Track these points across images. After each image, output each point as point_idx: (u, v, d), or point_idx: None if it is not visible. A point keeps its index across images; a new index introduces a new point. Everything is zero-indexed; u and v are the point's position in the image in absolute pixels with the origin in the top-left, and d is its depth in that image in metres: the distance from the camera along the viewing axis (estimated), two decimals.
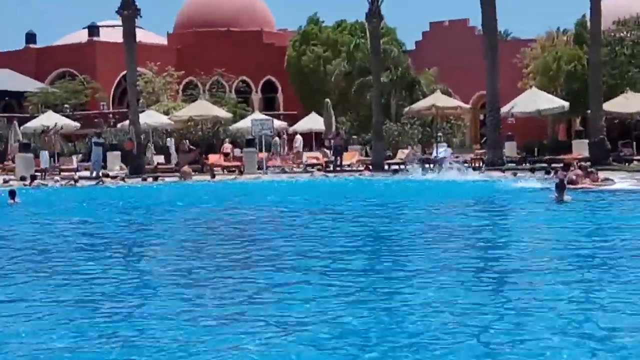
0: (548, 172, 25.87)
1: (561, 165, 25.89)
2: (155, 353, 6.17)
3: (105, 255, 11.65)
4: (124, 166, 35.43)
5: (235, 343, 6.34)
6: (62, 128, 38.56)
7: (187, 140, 39.16)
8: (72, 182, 29.92)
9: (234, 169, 35.11)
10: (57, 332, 6.82)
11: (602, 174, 23.20)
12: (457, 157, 35.78)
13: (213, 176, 31.74)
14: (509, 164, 31.87)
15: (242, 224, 16.00)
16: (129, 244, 13.16)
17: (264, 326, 6.83)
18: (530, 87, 37.11)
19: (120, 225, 16.18)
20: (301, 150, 39.62)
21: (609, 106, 32.81)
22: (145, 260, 11.31)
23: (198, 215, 17.23)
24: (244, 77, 53.76)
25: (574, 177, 21.09)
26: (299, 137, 39.81)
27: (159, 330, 6.84)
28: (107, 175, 31.91)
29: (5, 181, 30.30)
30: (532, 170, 28.25)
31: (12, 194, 20.92)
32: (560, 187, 17.40)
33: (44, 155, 35.33)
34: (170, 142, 39.15)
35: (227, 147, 39.06)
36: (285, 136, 41.84)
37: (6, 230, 15.04)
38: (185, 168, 33.13)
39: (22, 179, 30.11)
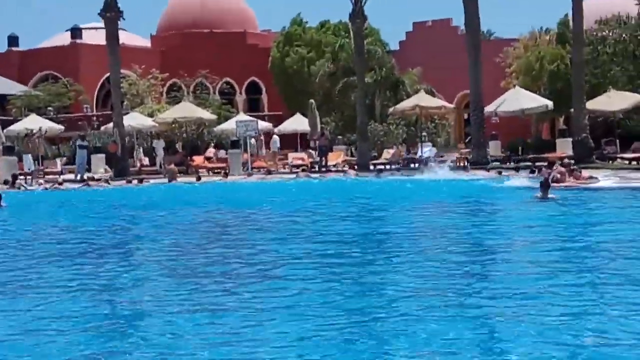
0: (532, 171, 26.02)
1: (545, 164, 26.06)
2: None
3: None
4: (108, 168, 35.37)
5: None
6: (46, 132, 38.42)
7: (180, 143, 39.10)
8: (57, 185, 29.85)
9: (219, 170, 35.10)
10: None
11: (586, 172, 23.34)
12: (441, 156, 35.88)
13: (199, 178, 31.72)
14: (494, 163, 32.01)
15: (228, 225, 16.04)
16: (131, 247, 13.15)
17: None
18: (514, 86, 37.24)
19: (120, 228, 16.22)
20: (277, 151, 39.46)
21: (592, 105, 32.99)
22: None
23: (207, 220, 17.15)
24: (228, 79, 53.70)
25: (558, 175, 21.22)
26: (275, 138, 39.70)
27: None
28: (92, 179, 31.85)
29: None
30: (517, 169, 28.40)
31: None
32: (545, 186, 17.50)
33: (28, 158, 35.19)
34: (158, 144, 39.00)
35: (210, 151, 38.94)
36: (262, 137, 41.69)
37: None
38: (171, 167, 33.12)
39: (6, 182, 29.99)
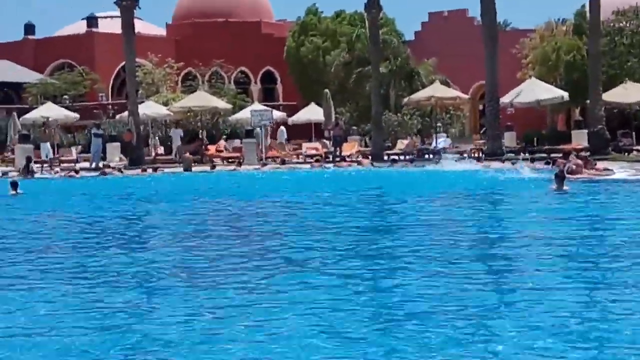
0: (548, 163, 25.93)
1: (560, 155, 25.94)
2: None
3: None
4: (123, 157, 35.45)
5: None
6: (57, 124, 38.38)
7: (204, 132, 39.08)
8: (73, 173, 29.99)
9: (233, 159, 35.14)
10: None
11: (601, 164, 23.25)
12: (456, 147, 35.83)
13: (213, 167, 31.82)
14: (509, 154, 31.90)
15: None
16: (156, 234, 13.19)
17: None
18: (530, 77, 37.10)
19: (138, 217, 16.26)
20: (284, 141, 39.34)
21: (608, 96, 32.81)
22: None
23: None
24: (243, 68, 53.71)
25: (573, 167, 21.11)
26: (282, 129, 39.57)
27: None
28: (107, 166, 31.96)
29: (4, 173, 30.30)
30: (532, 160, 28.29)
31: (14, 185, 20.81)
32: (560, 177, 17.42)
33: (46, 147, 35.33)
34: (175, 133, 39.01)
35: (221, 144, 38.74)
36: (268, 127, 41.55)
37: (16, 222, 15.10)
38: (187, 155, 33.23)
39: (19, 171, 30.12)
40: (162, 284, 8.66)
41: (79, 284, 8.64)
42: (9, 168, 32.78)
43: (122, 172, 30.99)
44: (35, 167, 31.12)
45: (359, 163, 32.78)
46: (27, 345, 6.23)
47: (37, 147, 34.96)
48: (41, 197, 20.86)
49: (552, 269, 8.79)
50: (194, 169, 31.74)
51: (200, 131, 39.21)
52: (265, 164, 32.85)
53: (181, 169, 31.91)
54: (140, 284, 8.72)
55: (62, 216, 16.36)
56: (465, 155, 32.45)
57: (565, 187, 17.28)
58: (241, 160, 34.35)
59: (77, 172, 30.48)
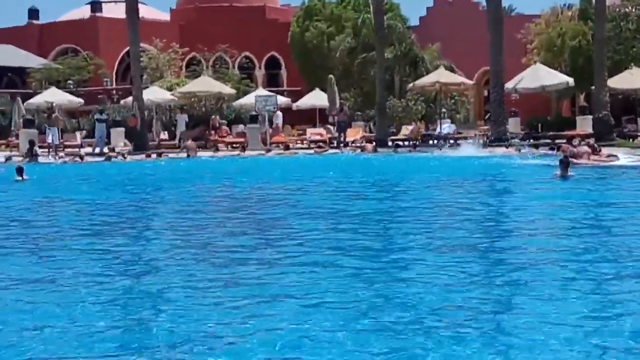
0: (552, 148, 25.92)
1: (565, 141, 25.95)
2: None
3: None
4: (127, 142, 35.47)
5: None
6: (52, 105, 38.21)
7: (217, 117, 38.97)
8: (78, 159, 30.01)
9: (237, 145, 35.14)
10: None
11: (605, 150, 23.21)
12: (460, 133, 35.79)
13: (216, 151, 31.86)
14: (513, 140, 31.86)
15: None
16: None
17: None
18: (535, 62, 36.99)
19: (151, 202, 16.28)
20: (280, 126, 39.12)
21: (614, 82, 32.73)
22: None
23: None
24: (247, 53, 53.63)
25: (575, 150, 21.07)
26: (279, 114, 39.41)
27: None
28: (112, 150, 31.97)
29: (8, 158, 30.31)
30: (536, 146, 28.28)
31: (19, 170, 20.60)
32: (564, 163, 17.37)
33: (53, 132, 35.32)
34: (180, 118, 38.99)
35: (223, 130, 38.55)
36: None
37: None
38: (189, 143, 33.20)
39: (25, 155, 30.16)
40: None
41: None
42: (13, 152, 32.83)
43: (125, 157, 31.02)
44: (39, 151, 31.14)
45: (362, 149, 32.76)
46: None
47: (42, 132, 34.98)
48: (48, 183, 20.75)
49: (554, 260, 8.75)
50: (198, 154, 31.75)
51: (215, 115, 39.08)
52: (269, 150, 32.85)
53: (184, 155, 31.91)
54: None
55: (73, 202, 16.25)
56: (470, 140, 32.43)
57: (569, 173, 17.24)
58: (245, 146, 34.34)
59: (81, 157, 30.51)
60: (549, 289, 7.01)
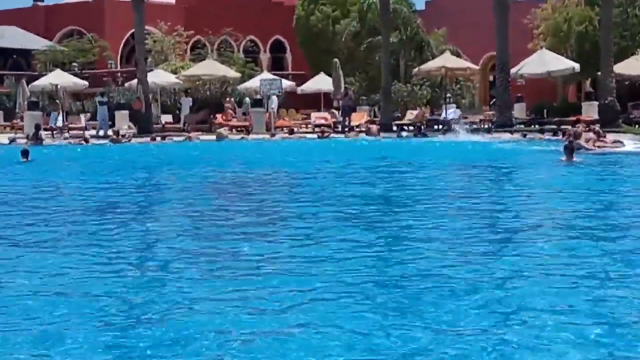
0: (555, 133, 25.86)
1: (570, 126, 25.87)
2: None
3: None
4: (132, 125, 35.45)
5: None
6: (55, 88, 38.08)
7: (232, 99, 38.89)
8: (83, 142, 30.00)
9: (241, 129, 35.11)
10: None
11: (611, 136, 23.13)
12: (466, 118, 35.69)
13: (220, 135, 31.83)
14: (518, 126, 31.79)
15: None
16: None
17: None
18: (541, 48, 36.85)
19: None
20: (275, 111, 38.89)
21: (620, 68, 32.59)
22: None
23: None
24: (252, 37, 53.50)
25: (583, 138, 20.99)
26: (274, 99, 39.26)
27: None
28: (117, 133, 31.96)
29: (12, 140, 30.32)
30: (541, 131, 28.22)
31: (25, 153, 20.71)
32: (569, 149, 17.33)
33: (55, 115, 35.30)
34: (184, 101, 38.92)
35: (229, 113, 38.49)
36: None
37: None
38: (191, 130, 33.29)
39: (29, 137, 30.15)
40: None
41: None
42: (18, 135, 32.82)
43: (130, 140, 31.04)
44: (44, 134, 31.14)
45: (368, 131, 32.73)
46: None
47: (47, 114, 34.97)
48: (53, 165, 20.77)
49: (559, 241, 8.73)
50: (201, 137, 31.75)
51: (230, 100, 38.99)
52: (274, 134, 32.82)
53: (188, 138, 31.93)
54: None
55: (79, 183, 16.25)
56: (475, 126, 32.38)
57: (575, 159, 17.20)
58: (250, 129, 34.32)
59: (86, 140, 30.50)
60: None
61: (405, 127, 33.79)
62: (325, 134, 32.41)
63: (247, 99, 38.35)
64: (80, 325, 5.66)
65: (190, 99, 39.06)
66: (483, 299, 6.18)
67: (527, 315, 5.71)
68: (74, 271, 7.39)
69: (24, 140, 29.53)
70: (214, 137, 31.68)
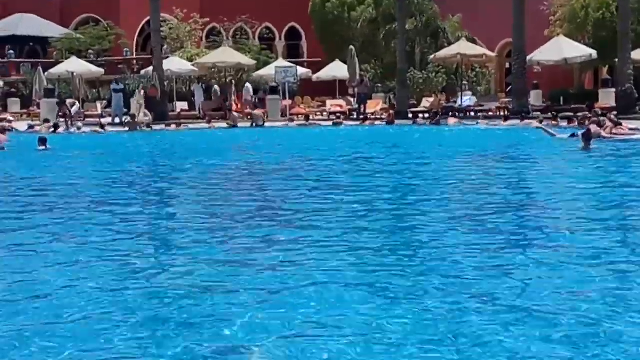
0: (570, 121, 25.74)
1: (586, 113, 25.74)
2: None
3: None
4: (147, 112, 35.55)
5: None
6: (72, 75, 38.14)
7: (249, 84, 39.05)
8: (99, 129, 30.10)
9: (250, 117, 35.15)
10: None
11: (627, 124, 22.96)
12: (482, 105, 35.59)
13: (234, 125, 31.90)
14: (535, 113, 31.65)
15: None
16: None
17: None
18: (558, 35, 36.63)
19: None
20: (250, 99, 38.78)
21: (637, 54, 32.37)
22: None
23: None
24: (268, 24, 53.44)
25: (601, 126, 20.87)
26: (248, 86, 39.06)
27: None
28: (133, 117, 32.06)
29: (30, 126, 30.50)
30: (556, 118, 28.09)
31: (42, 141, 20.49)
32: (587, 136, 17.24)
33: (72, 103, 35.41)
34: (198, 88, 39.02)
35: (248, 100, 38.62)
36: (233, 84, 41.34)
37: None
38: (234, 114, 33.47)
39: (46, 121, 30.25)
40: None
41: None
42: (35, 122, 32.97)
43: (150, 127, 31.20)
44: (60, 121, 31.26)
45: (382, 120, 32.70)
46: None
47: (62, 102, 35.07)
48: (74, 153, 20.58)
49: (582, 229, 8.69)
50: (216, 124, 31.84)
51: (262, 90, 39.14)
52: (292, 120, 32.86)
53: (206, 125, 32.02)
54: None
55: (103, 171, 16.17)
56: (490, 113, 32.25)
57: (592, 146, 17.11)
58: (265, 117, 34.34)
59: (103, 127, 30.60)
60: None
61: (421, 115, 33.67)
62: (339, 122, 32.44)
63: (217, 87, 38.62)
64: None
65: (202, 85, 39.21)
66: None
67: None
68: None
69: (39, 127, 29.59)
70: (225, 124, 31.87)
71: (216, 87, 39.87)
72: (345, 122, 32.79)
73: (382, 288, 6.14)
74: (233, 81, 39.77)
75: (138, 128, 30.80)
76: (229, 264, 7.06)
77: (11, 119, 33.77)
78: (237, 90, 39.60)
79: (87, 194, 12.21)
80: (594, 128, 20.21)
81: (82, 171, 16.16)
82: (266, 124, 32.12)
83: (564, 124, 26.08)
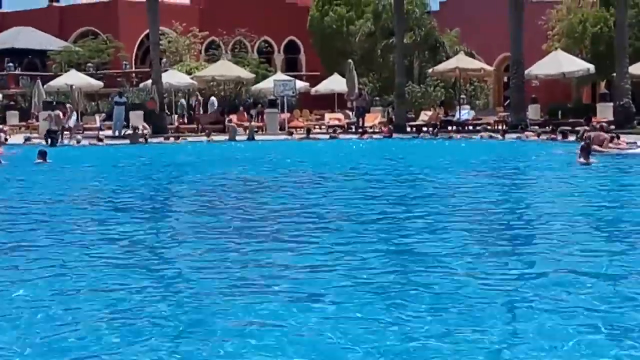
0: (566, 135, 25.80)
1: (585, 127, 25.78)
2: None
3: None
4: (146, 125, 35.60)
5: None
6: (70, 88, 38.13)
7: (251, 98, 39.17)
8: (97, 142, 30.12)
9: (256, 129, 35.17)
10: None
11: (626, 138, 23.03)
12: (480, 119, 35.68)
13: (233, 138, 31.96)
14: (532, 127, 31.72)
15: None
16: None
17: None
18: (556, 49, 36.76)
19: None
20: (215, 112, 38.76)
21: (635, 69, 32.49)
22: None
23: None
24: (267, 37, 53.58)
25: (598, 138, 20.89)
26: (213, 99, 39.01)
27: None
28: (135, 129, 32.09)
29: (27, 139, 30.38)
30: (554, 132, 28.15)
31: (42, 154, 20.11)
32: (586, 150, 17.24)
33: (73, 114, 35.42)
34: (211, 102, 39.20)
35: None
36: (199, 97, 41.24)
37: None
38: (234, 123, 33.58)
39: (50, 132, 30.09)
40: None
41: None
42: (33, 135, 32.97)
43: (146, 140, 31.21)
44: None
45: (381, 133, 32.77)
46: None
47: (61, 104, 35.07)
48: (75, 167, 20.13)
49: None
50: (214, 138, 31.89)
51: (211, 97, 39.23)
52: (291, 133, 32.90)
53: (204, 138, 32.05)
54: None
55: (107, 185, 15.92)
56: (488, 127, 32.32)
57: (591, 160, 17.09)
58: (263, 129, 34.43)
59: (101, 140, 30.61)
60: None
61: (425, 129, 33.68)
62: (335, 135, 32.57)
63: (183, 100, 38.90)
64: None
65: (201, 98, 39.37)
66: None
67: None
68: None
69: (38, 141, 29.55)
70: (225, 137, 31.88)
71: (213, 98, 40.02)
72: (342, 135, 32.85)
73: None
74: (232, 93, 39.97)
75: (140, 141, 30.82)
76: None
77: (6, 129, 33.76)
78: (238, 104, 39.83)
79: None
80: (595, 135, 20.30)
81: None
82: (266, 137, 32.15)
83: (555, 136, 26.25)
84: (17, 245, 8.75)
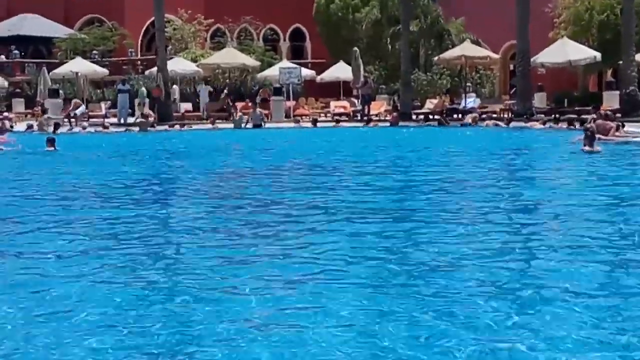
0: (571, 123, 25.74)
1: (592, 115, 25.73)
2: None
3: None
4: (152, 113, 35.62)
5: None
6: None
7: (268, 88, 39.05)
8: (102, 129, 30.15)
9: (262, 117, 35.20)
10: None
11: (631, 126, 22.97)
12: (485, 107, 35.59)
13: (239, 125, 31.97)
14: (538, 115, 31.66)
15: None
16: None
17: None
18: (562, 37, 36.62)
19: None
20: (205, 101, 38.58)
21: None
22: None
23: None
24: (272, 25, 53.47)
25: (603, 127, 20.84)
26: (175, 88, 38.71)
27: None
28: (146, 117, 32.11)
29: (29, 126, 30.37)
30: (556, 120, 28.12)
31: (51, 141, 20.08)
32: (591, 138, 17.16)
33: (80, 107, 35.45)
34: (203, 89, 39.00)
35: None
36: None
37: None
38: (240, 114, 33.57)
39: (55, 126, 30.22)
40: None
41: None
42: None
43: (154, 127, 31.24)
44: (61, 121, 31.25)
45: (386, 122, 32.73)
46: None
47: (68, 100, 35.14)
48: (83, 154, 20.03)
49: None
50: (220, 125, 31.89)
51: (264, 87, 39.15)
52: (298, 121, 32.88)
53: (209, 126, 32.06)
54: None
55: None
56: (494, 115, 32.26)
57: (597, 148, 16.98)
58: (268, 117, 34.42)
59: (106, 127, 30.64)
60: None
61: (431, 116, 33.63)
62: (340, 123, 32.56)
63: (144, 89, 38.63)
64: None
65: (208, 86, 39.14)
66: None
67: None
68: None
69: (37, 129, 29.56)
70: (230, 125, 31.88)
71: (205, 86, 39.65)
72: (348, 123, 32.81)
73: None
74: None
75: (148, 128, 30.86)
76: None
77: (11, 116, 33.78)
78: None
79: None
80: (600, 123, 20.23)
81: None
82: (272, 125, 32.15)
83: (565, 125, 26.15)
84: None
